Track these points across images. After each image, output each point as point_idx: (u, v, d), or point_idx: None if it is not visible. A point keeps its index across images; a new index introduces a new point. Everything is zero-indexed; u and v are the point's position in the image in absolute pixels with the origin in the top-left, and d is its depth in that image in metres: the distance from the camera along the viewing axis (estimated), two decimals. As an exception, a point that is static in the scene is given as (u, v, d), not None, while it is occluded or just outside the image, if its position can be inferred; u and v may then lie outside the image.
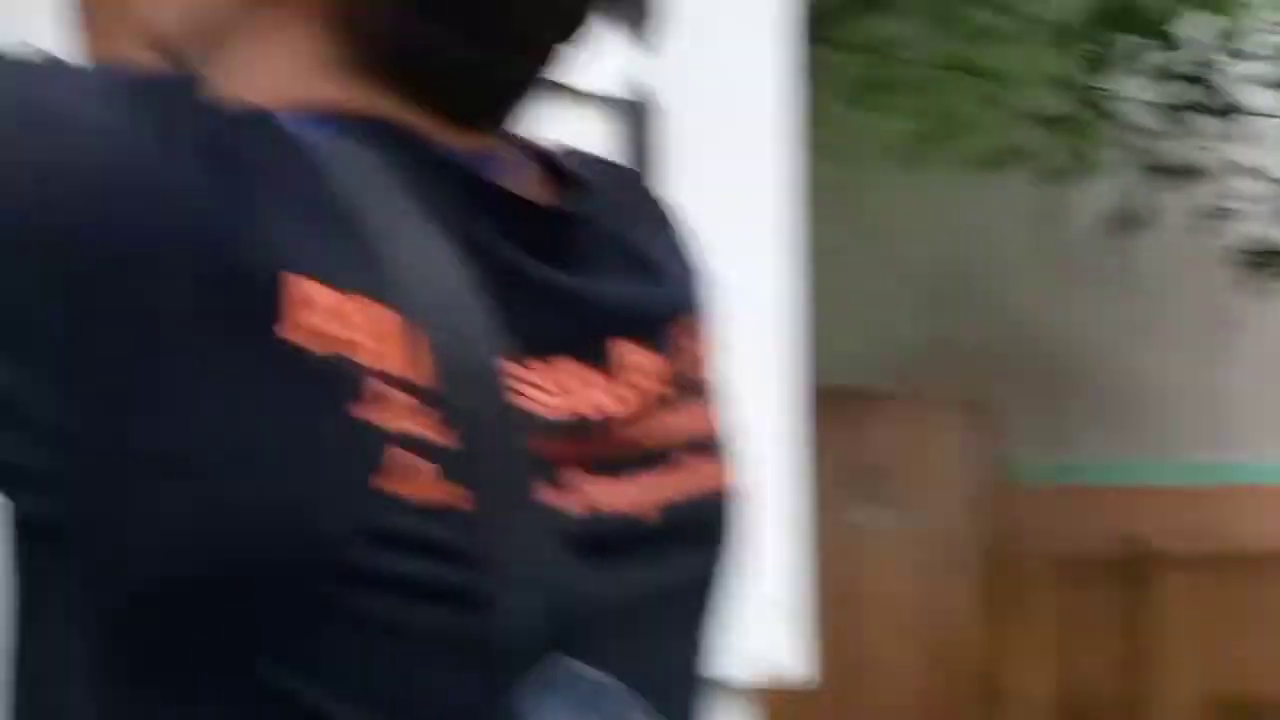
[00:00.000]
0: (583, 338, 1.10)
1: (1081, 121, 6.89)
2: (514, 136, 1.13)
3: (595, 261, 1.14)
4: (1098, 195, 8.02)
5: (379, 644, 0.96)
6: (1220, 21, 6.77)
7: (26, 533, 0.99)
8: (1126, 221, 7.96)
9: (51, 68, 1.03)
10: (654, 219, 1.24)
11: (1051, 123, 7.06)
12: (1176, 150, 7.95)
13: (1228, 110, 7.86)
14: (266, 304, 0.95)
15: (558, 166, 1.14)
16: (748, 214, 2.19)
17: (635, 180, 1.32)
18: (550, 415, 1.05)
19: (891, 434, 8.48)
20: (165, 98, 1.00)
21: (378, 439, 0.96)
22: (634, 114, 2.11)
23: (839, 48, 6.46)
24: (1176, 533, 9.08)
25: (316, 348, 0.95)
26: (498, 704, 1.01)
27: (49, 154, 0.95)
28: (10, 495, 0.97)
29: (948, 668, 8.31)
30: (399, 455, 0.97)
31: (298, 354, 0.95)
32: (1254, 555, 9.00)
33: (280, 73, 1.10)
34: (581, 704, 1.07)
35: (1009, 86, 6.76)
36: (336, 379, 0.96)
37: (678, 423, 1.14)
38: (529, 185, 1.11)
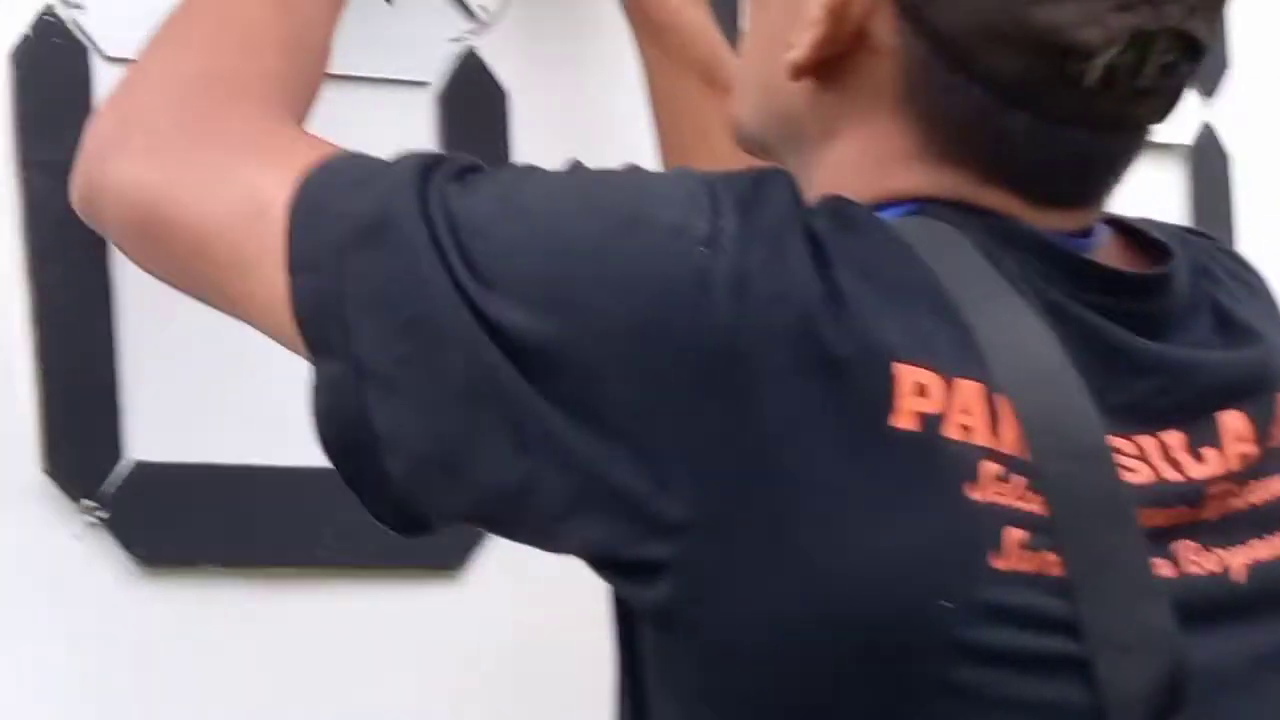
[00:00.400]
0: (1183, 407, 1.05)
1: None
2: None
3: (1189, 330, 1.08)
4: None
5: (993, 718, 0.93)
6: None
7: (632, 616, 0.99)
8: None
9: (626, 174, 1.04)
10: (1242, 283, 1.16)
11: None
12: None
13: None
14: (878, 392, 0.93)
15: (1138, 234, 1.09)
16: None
17: (1217, 246, 1.22)
18: (1150, 483, 1.01)
19: None
20: (755, 194, 0.98)
21: (995, 519, 0.94)
22: (1202, 161, 2.02)
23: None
24: None
25: (929, 433, 0.94)
26: None
27: (642, 254, 0.94)
28: (619, 583, 0.97)
29: None
30: (1013, 533, 0.94)
31: (912, 441, 0.93)
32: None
33: (863, 164, 1.06)
34: None
35: None
36: (952, 462, 0.95)
37: (1270, 487, 1.08)
38: (1114, 255, 1.07)
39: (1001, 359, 0.99)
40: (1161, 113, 1.05)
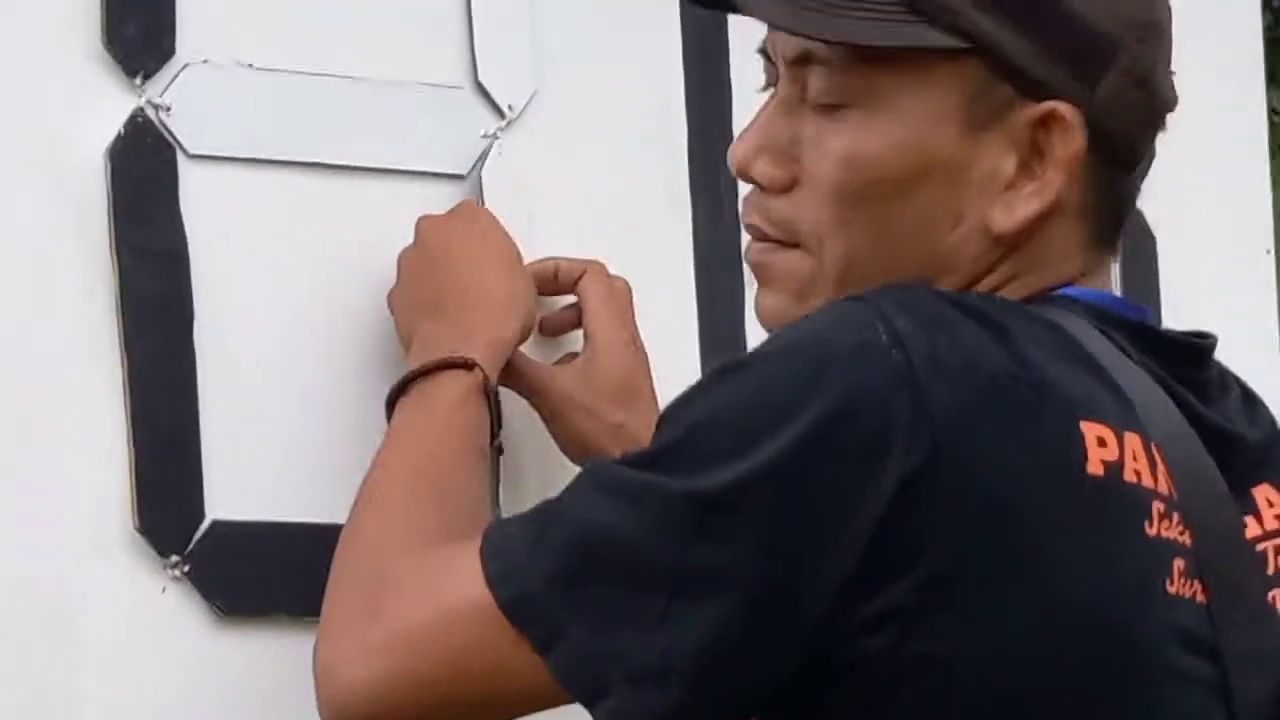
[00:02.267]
0: (1244, 477, 1.18)
1: None
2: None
3: (1225, 401, 1.23)
4: None
5: None
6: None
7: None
8: None
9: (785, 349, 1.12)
10: (1229, 376, 1.29)
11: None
12: None
13: None
14: (1073, 448, 1.04)
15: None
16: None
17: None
18: (1250, 536, 1.17)
19: None
20: (907, 295, 1.11)
21: (1166, 551, 1.07)
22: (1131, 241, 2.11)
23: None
24: None
25: (1113, 478, 1.05)
26: None
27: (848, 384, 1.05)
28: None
29: None
30: (1178, 563, 1.07)
31: (1102, 485, 1.04)
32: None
33: (1052, 260, 1.19)
34: None
35: None
36: (1132, 504, 1.06)
37: None
38: (1175, 338, 1.24)
39: (1148, 415, 1.11)
40: None
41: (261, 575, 1.39)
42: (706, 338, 1.73)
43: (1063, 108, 1.14)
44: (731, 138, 1.41)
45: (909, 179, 1.19)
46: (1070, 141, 1.14)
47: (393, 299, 1.48)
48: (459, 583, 1.16)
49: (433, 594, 1.18)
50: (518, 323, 1.46)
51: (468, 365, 1.38)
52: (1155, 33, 1.20)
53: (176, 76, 1.43)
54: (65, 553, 1.34)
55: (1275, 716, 1.14)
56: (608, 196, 1.67)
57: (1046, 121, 1.15)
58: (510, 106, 1.59)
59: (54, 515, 1.36)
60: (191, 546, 1.34)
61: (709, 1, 1.32)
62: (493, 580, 1.12)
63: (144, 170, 1.39)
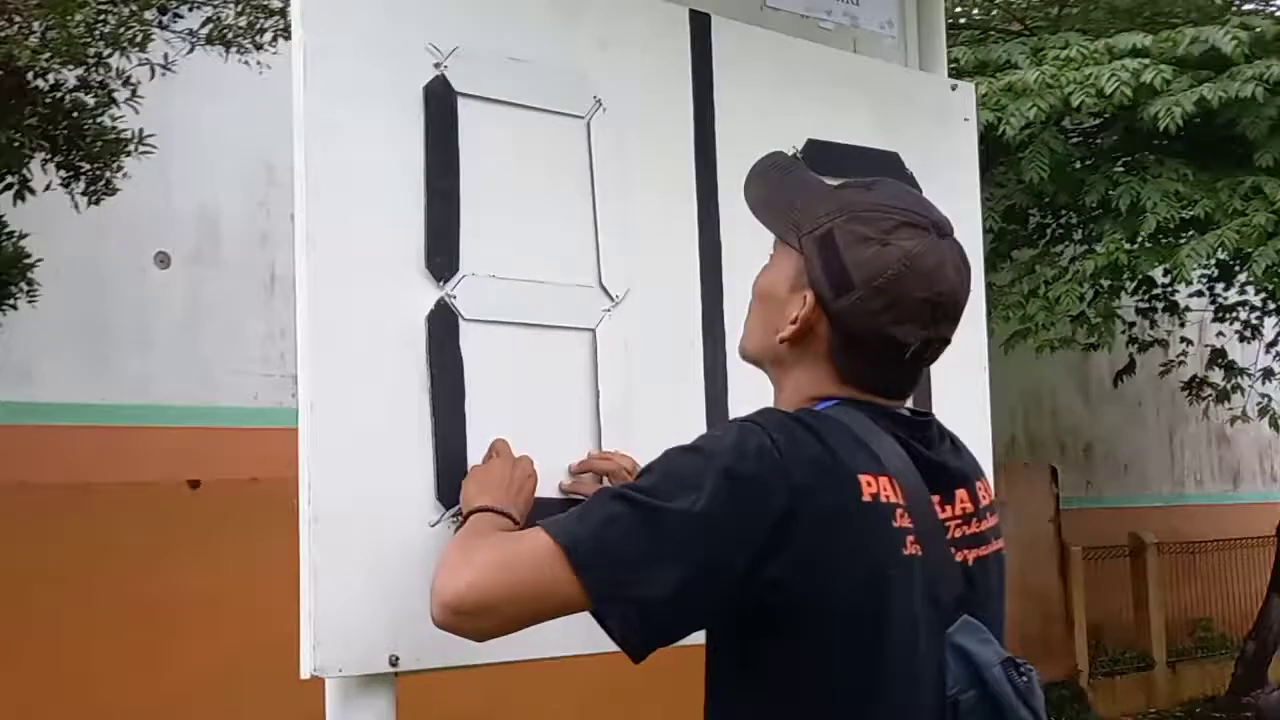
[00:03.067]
0: (947, 487, 1.75)
1: (1100, 325, 8.43)
2: None
3: (942, 446, 1.80)
4: (1104, 359, 11.43)
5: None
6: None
7: (736, 655, 1.66)
8: (1124, 372, 11.51)
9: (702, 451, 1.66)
10: (945, 431, 1.87)
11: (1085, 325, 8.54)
12: (1148, 332, 11.34)
13: (1174, 310, 10.88)
14: (855, 488, 1.61)
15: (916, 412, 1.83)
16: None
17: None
18: (943, 517, 1.72)
19: (1004, 485, 10.04)
20: (768, 415, 1.69)
21: (903, 532, 1.63)
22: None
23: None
24: (1164, 527, 12.88)
25: (876, 500, 1.62)
26: (944, 637, 1.64)
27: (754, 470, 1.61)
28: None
29: (1039, 604, 11.20)
30: (908, 537, 1.63)
31: (870, 506, 1.61)
32: None
33: (806, 385, 1.76)
34: (973, 632, 1.68)
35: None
36: (888, 512, 1.63)
37: (979, 525, 1.78)
38: (910, 412, 1.80)
39: (890, 464, 1.65)
40: (921, 375, 1.81)
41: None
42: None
43: (809, 293, 1.72)
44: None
45: (766, 293, 1.83)
46: (809, 315, 1.72)
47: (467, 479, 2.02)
48: (530, 538, 1.65)
49: (514, 543, 1.70)
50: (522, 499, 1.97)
51: (501, 512, 1.90)
52: (883, 294, 1.68)
53: (460, 281, 2.14)
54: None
55: (965, 601, 1.69)
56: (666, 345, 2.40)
57: (803, 294, 1.73)
58: (615, 296, 2.34)
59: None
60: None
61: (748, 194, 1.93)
62: (553, 534, 1.62)
63: (443, 327, 2.11)
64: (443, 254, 2.14)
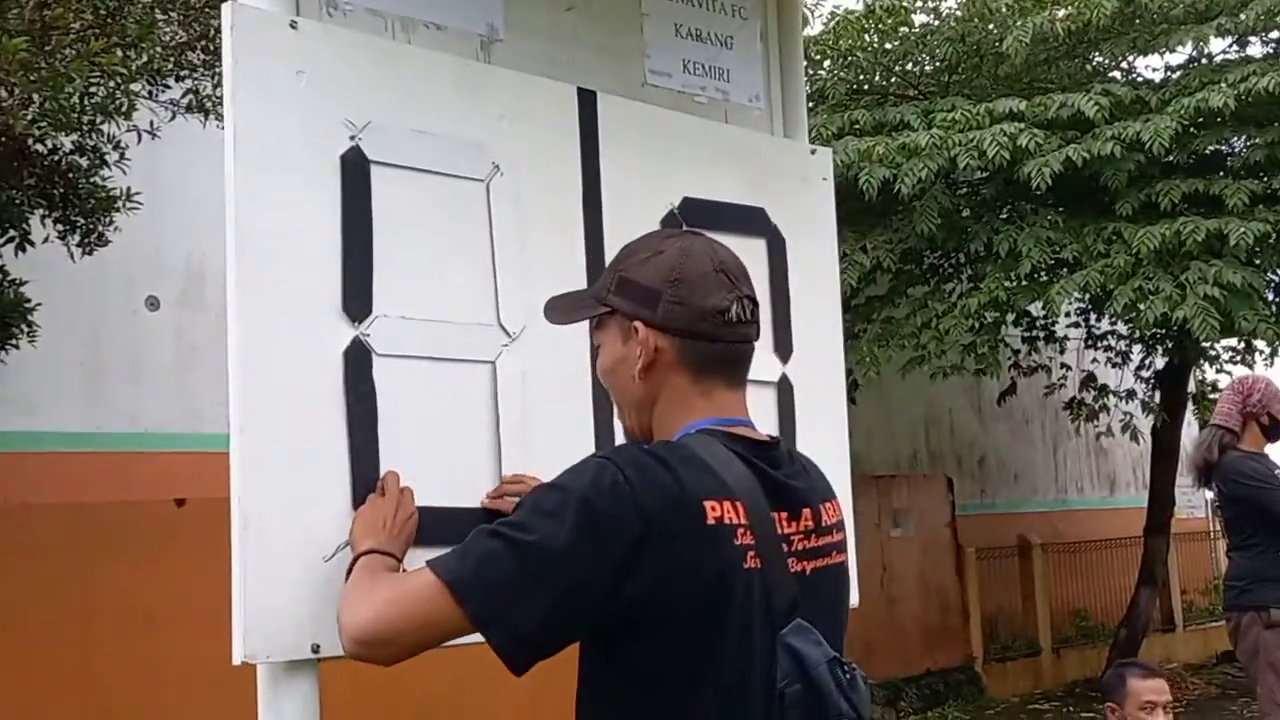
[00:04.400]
0: (788, 504, 1.77)
1: (988, 353, 8.59)
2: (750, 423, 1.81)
3: (791, 467, 1.82)
4: (995, 382, 11.36)
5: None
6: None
7: (601, 654, 1.68)
8: (1005, 393, 11.80)
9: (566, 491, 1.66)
10: (795, 454, 1.90)
11: (974, 353, 8.71)
12: (1030, 359, 11.58)
13: (1052, 339, 11.06)
14: (699, 513, 1.64)
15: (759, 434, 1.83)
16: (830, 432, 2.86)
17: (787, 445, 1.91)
18: (784, 532, 1.74)
19: (907, 494, 11.65)
20: (623, 451, 1.73)
21: (744, 549, 1.66)
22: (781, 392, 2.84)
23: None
24: (1048, 530, 13.21)
25: (719, 523, 1.65)
26: (777, 637, 1.66)
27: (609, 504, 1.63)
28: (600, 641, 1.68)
29: (938, 599, 11.59)
30: (749, 552, 1.66)
31: (714, 527, 1.64)
32: None
33: (673, 411, 1.79)
34: (804, 634, 1.69)
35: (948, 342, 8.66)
36: (730, 532, 1.65)
37: (820, 540, 1.80)
38: (760, 437, 1.81)
39: (737, 488, 1.68)
40: (758, 334, 1.82)
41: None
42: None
43: (637, 324, 1.77)
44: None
45: (610, 368, 1.85)
46: (645, 338, 1.76)
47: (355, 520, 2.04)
48: (419, 576, 1.68)
49: (405, 581, 1.74)
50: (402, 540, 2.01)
51: (386, 553, 1.94)
52: (683, 282, 1.75)
53: (373, 321, 2.18)
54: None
55: (796, 607, 1.70)
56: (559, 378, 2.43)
57: (633, 331, 1.78)
58: (511, 333, 2.38)
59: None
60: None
61: (550, 319, 1.97)
62: (438, 571, 1.66)
63: (358, 361, 2.16)
64: (358, 298, 2.19)
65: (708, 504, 1.63)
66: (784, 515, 1.76)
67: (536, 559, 1.61)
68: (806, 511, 1.79)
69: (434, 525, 2.14)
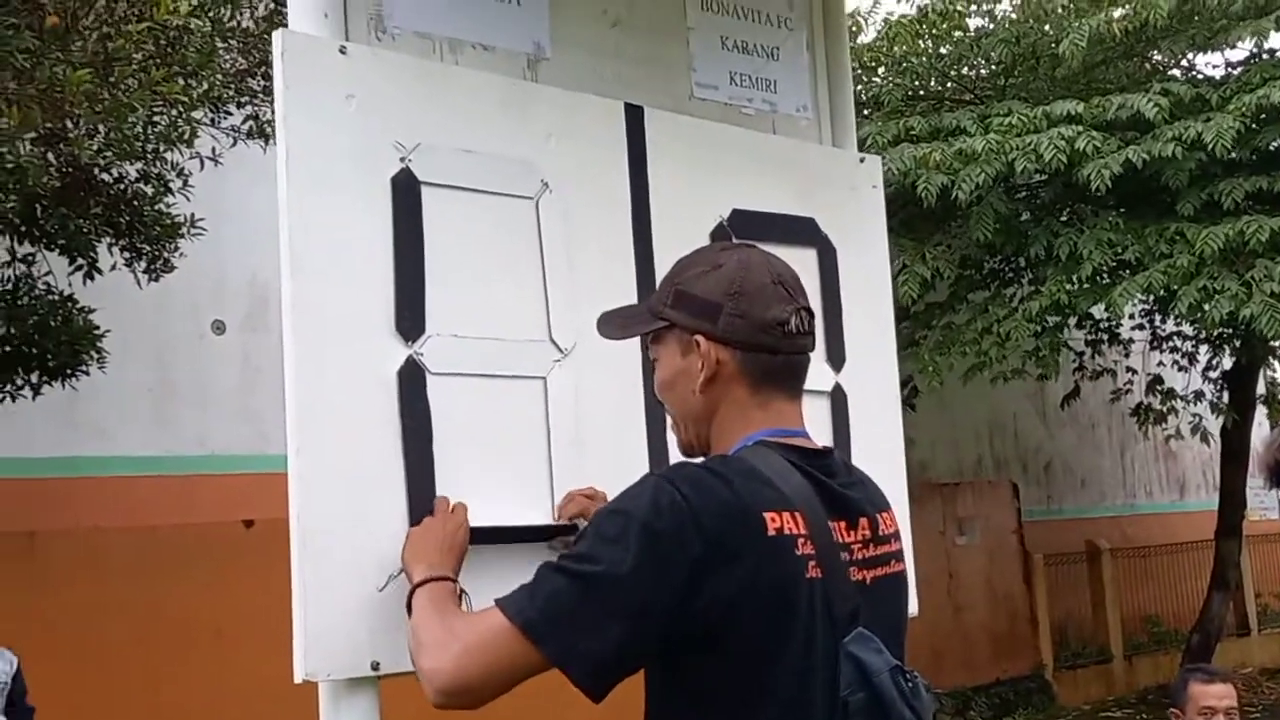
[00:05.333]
0: (849, 514, 1.78)
1: (1049, 356, 8.54)
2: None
3: (847, 477, 1.84)
4: (1060, 386, 11.41)
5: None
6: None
7: (667, 671, 1.68)
8: (1070, 396, 11.68)
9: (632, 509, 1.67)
10: (850, 465, 1.92)
11: (1036, 358, 8.67)
12: (1095, 362, 11.55)
13: (1116, 341, 10.91)
14: (760, 525, 1.65)
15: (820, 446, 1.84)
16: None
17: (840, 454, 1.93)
18: (844, 540, 1.75)
19: (972, 501, 11.66)
20: (682, 469, 1.72)
21: (806, 559, 1.67)
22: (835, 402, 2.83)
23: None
24: (1117, 535, 13.15)
25: (779, 533, 1.66)
26: (839, 645, 1.67)
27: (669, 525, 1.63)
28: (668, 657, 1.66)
29: (1006, 606, 11.52)
30: (810, 562, 1.67)
31: (774, 539, 1.65)
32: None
33: (731, 425, 1.81)
34: (866, 643, 1.70)
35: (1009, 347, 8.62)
36: (790, 543, 1.67)
37: (878, 549, 1.80)
38: (815, 447, 1.83)
39: (796, 499, 1.69)
40: (814, 345, 1.83)
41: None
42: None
43: (698, 338, 1.78)
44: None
45: (670, 381, 1.86)
46: (707, 352, 1.77)
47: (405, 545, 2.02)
48: (492, 621, 1.68)
49: (480, 627, 1.71)
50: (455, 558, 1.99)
51: (442, 577, 1.92)
52: (743, 295, 1.76)
53: (427, 340, 2.19)
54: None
55: (856, 616, 1.70)
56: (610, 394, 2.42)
57: (694, 344, 1.79)
58: (563, 349, 2.38)
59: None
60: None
61: (604, 334, 2.00)
62: (510, 614, 1.66)
63: (412, 380, 2.17)
64: (411, 318, 2.21)
65: (767, 516, 1.64)
66: (842, 524, 1.76)
67: (604, 588, 1.62)
68: (864, 520, 1.79)
69: (492, 542, 2.16)
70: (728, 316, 1.77)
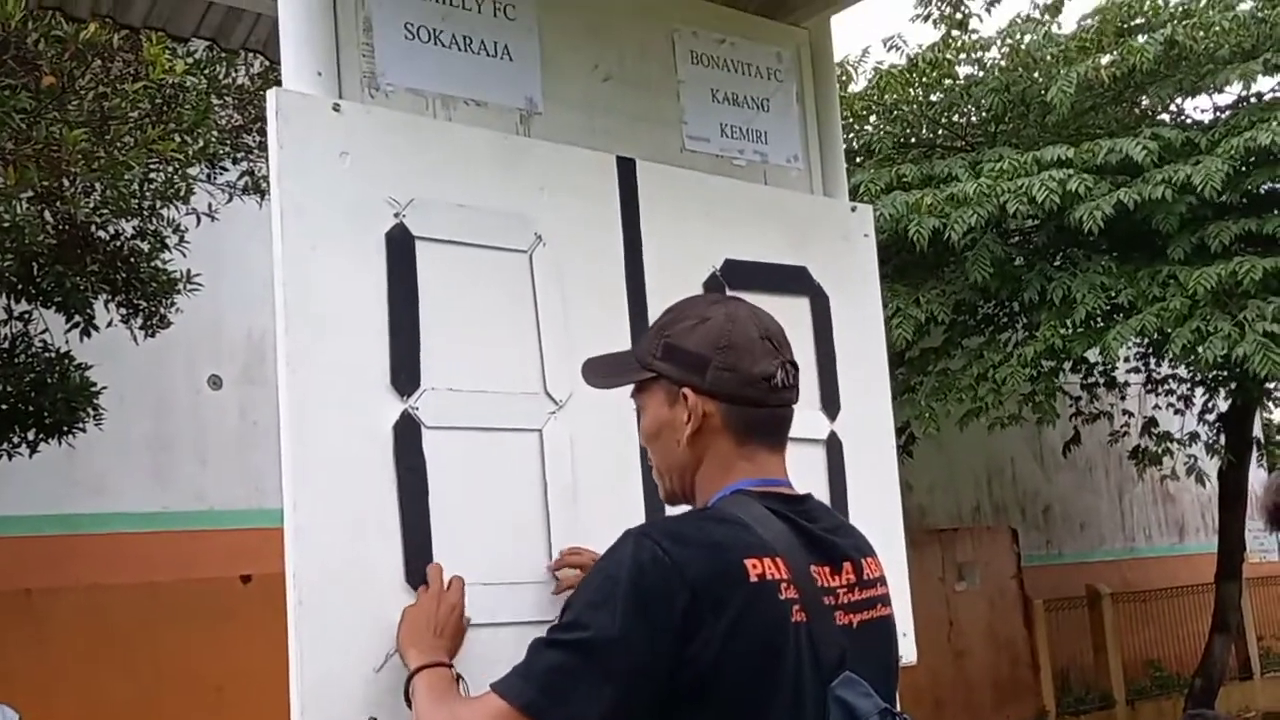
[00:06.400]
0: (833, 559, 1.78)
1: (1045, 401, 8.50)
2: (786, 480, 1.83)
3: (828, 522, 1.85)
4: (1056, 431, 11.21)
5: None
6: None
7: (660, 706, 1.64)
8: (1070, 443, 11.45)
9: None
10: (829, 510, 1.94)
11: (1032, 403, 8.66)
12: (1091, 406, 11.43)
13: (1112, 385, 10.85)
14: (741, 571, 1.66)
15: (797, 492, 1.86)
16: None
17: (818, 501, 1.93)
18: (826, 584, 1.75)
19: (971, 547, 11.61)
20: (667, 523, 1.77)
21: (790, 603, 1.67)
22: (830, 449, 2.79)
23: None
24: (1117, 579, 12.89)
25: (762, 580, 1.66)
26: (827, 689, 1.67)
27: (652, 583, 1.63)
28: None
29: (1007, 652, 11.44)
30: (794, 606, 1.67)
31: (757, 585, 1.66)
32: None
33: (713, 475, 1.82)
34: (853, 686, 1.69)
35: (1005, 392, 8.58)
36: (773, 588, 1.67)
37: (862, 594, 1.80)
38: (794, 493, 1.85)
39: (777, 545, 1.70)
40: (797, 398, 1.84)
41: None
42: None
43: (685, 390, 1.80)
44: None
45: (655, 431, 1.88)
46: (694, 404, 1.79)
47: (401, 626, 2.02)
48: (490, 706, 1.67)
49: (479, 710, 1.69)
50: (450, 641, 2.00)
51: (438, 664, 1.93)
52: (731, 349, 1.78)
53: (422, 394, 2.20)
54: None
55: (843, 662, 1.70)
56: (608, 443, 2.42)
57: (681, 396, 1.81)
58: (558, 400, 2.39)
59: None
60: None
61: (589, 383, 2.03)
62: (509, 698, 1.65)
63: (408, 434, 2.18)
64: (406, 372, 2.21)
65: (748, 562, 1.64)
66: (826, 569, 1.76)
67: (597, 654, 1.62)
68: (848, 565, 1.80)
69: (488, 601, 2.17)
70: (715, 370, 1.78)
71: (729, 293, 2.52)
